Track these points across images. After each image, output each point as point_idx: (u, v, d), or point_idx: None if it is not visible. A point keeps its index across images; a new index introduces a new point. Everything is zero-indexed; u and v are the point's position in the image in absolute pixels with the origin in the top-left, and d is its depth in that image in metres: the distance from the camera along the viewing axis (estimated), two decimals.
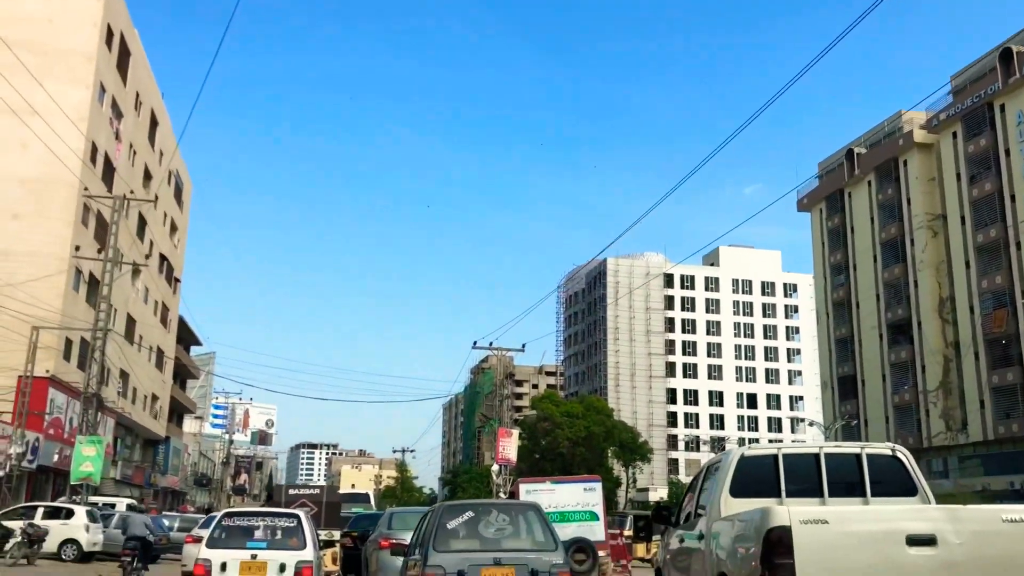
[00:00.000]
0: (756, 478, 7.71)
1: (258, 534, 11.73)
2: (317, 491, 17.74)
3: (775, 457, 7.83)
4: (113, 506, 28.44)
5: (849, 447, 8.11)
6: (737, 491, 7.64)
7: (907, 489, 7.78)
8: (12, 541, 19.53)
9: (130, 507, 28.55)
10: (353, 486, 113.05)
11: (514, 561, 8.84)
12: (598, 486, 14.74)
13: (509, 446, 33.08)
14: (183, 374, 69.14)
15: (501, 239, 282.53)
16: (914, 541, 5.93)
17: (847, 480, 7.70)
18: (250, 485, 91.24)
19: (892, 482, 7.74)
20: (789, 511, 6.14)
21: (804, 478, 7.72)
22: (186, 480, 67.85)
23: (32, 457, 32.93)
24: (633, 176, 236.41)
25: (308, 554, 11.56)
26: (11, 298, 32.78)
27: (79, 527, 22.44)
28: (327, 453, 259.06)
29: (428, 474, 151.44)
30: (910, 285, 57.70)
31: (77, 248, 27.62)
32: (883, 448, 7.99)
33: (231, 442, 76.19)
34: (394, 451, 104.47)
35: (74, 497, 26.66)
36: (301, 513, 12.59)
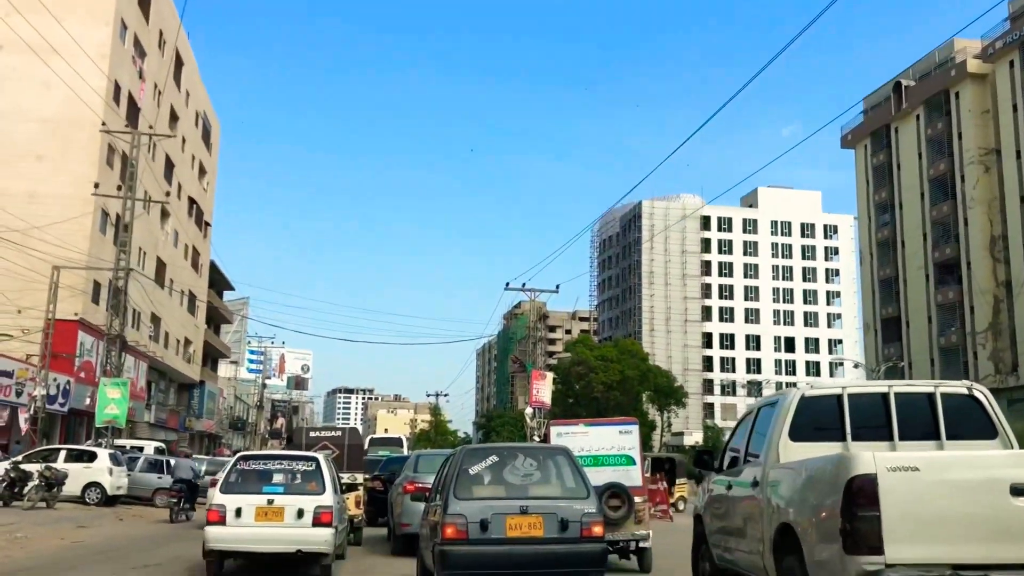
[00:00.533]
0: (818, 420, 6.94)
1: (275, 478, 11.16)
2: (339, 433, 16.74)
3: (839, 397, 6.99)
4: (141, 449, 28.23)
5: (921, 385, 7.27)
6: (797, 435, 6.85)
7: (985, 432, 6.98)
8: (30, 484, 19.18)
9: (158, 450, 28.37)
10: (386, 431, 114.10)
11: (542, 509, 7.97)
12: (635, 428, 13.70)
13: (543, 389, 32.23)
14: (216, 319, 69.26)
15: (536, 183, 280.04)
16: (1020, 491, 5.16)
17: (919, 422, 6.91)
18: (286, 429, 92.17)
19: (968, 424, 6.95)
20: (875, 457, 5.34)
21: (871, 420, 6.95)
22: (221, 424, 68.39)
23: (64, 400, 32.81)
24: (673, 119, 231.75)
25: (327, 499, 10.96)
26: (40, 240, 32.35)
27: (102, 470, 22.09)
28: (363, 398, 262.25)
29: (462, 418, 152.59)
30: (959, 223, 55.44)
31: (96, 185, 26.82)
32: (959, 387, 7.18)
33: (264, 386, 76.50)
34: (428, 395, 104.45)
35: (99, 440, 26.39)
36: (320, 456, 11.91)
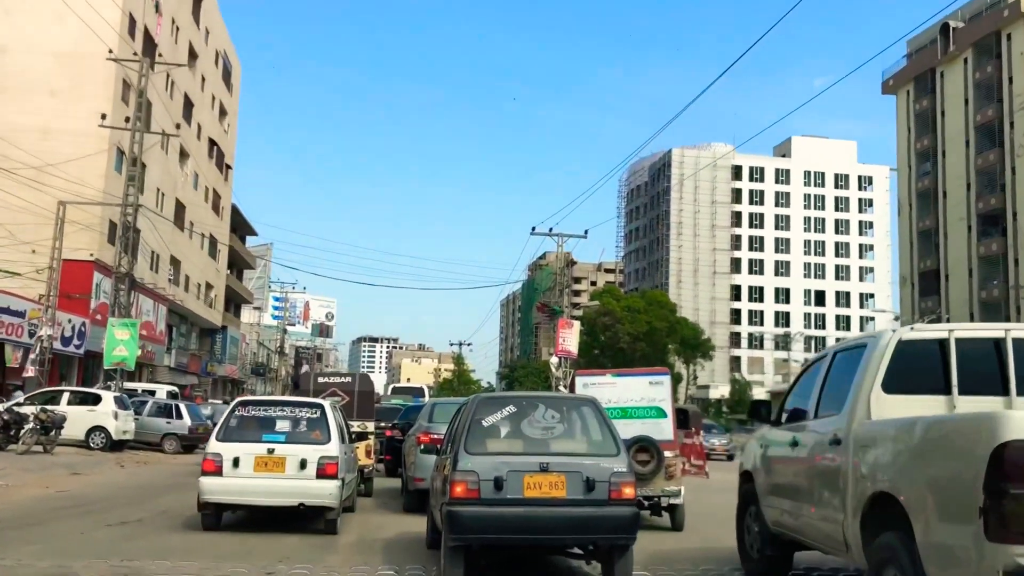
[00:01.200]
0: (916, 369, 5.85)
1: (276, 426, 10.41)
2: (349, 379, 15.81)
3: (943, 342, 5.84)
4: (152, 393, 27.52)
5: (987, 329, 6.23)
6: (891, 386, 5.75)
7: None
8: (26, 427, 18.29)
9: (170, 395, 27.64)
10: (409, 380, 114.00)
11: (565, 467, 6.84)
12: (666, 379, 12.55)
13: (569, 338, 30.94)
14: (239, 264, 68.65)
15: (564, 134, 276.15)
16: None
17: (982, 370, 5.85)
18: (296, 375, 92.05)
19: None
20: None
21: (981, 370, 5.84)
22: (244, 370, 68.17)
23: (79, 343, 32.19)
24: (706, 70, 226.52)
25: (332, 448, 10.20)
26: (54, 177, 31.44)
27: (106, 414, 21.13)
28: (388, 347, 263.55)
29: (486, 367, 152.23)
30: (1006, 172, 53.13)
31: (104, 117, 25.68)
32: None
33: (285, 332, 76.12)
34: (451, 344, 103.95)
35: (108, 383, 25.65)
36: (326, 403, 11.10)
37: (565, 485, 6.76)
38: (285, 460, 9.95)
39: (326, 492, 10.00)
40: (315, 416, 10.49)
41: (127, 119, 25.87)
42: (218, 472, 9.90)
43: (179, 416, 23.29)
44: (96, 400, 21.40)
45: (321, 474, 9.96)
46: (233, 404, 11.17)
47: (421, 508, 11.23)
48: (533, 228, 32.88)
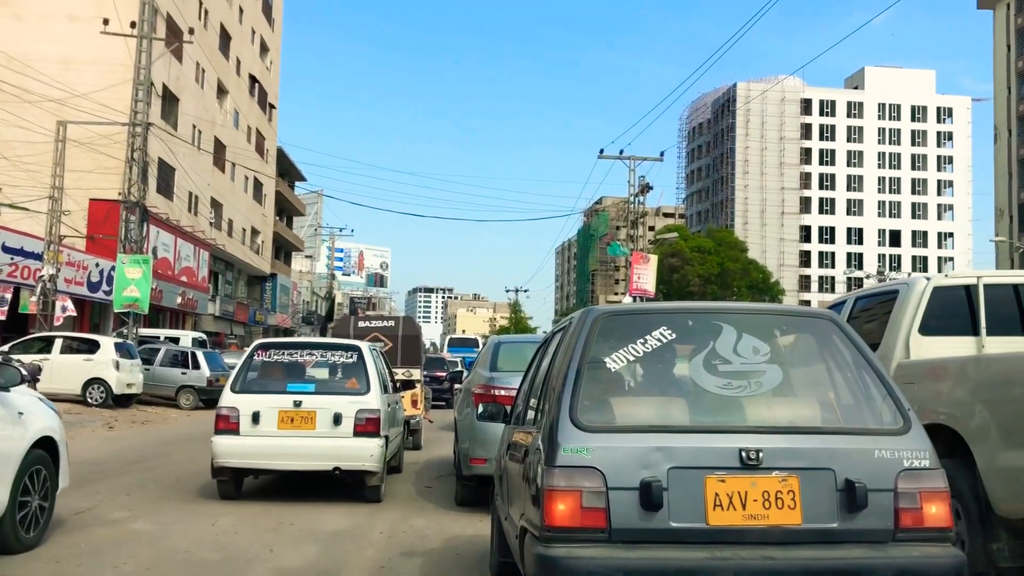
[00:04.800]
0: (949, 313, 6.22)
1: (304, 373, 8.75)
2: (391, 323, 14.01)
3: (971, 288, 6.23)
4: (177, 340, 24.74)
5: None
6: (927, 328, 6.12)
7: None
8: None
9: (197, 342, 24.87)
10: (464, 332, 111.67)
11: (797, 460, 3.40)
12: None
13: (645, 274, 26.97)
14: (288, 210, 66.20)
15: (620, 80, 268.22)
16: None
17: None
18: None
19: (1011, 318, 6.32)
20: None
21: (1007, 313, 6.23)
22: (295, 318, 66.07)
23: (108, 288, 29.69)
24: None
25: (372, 400, 8.37)
26: (77, 110, 28.73)
27: (105, 364, 17.82)
28: (443, 297, 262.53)
29: (542, 315, 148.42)
30: None
31: (106, 22, 22.63)
32: (1005, 276, 6.76)
33: (333, 277, 73.62)
34: (507, 291, 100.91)
35: (122, 329, 22.97)
36: (363, 345, 9.10)
37: (799, 499, 3.34)
38: (315, 414, 8.19)
39: (366, 453, 8.21)
40: (351, 361, 8.71)
41: (132, 23, 22.68)
42: (234, 430, 8.18)
43: (196, 366, 20.21)
44: (94, 347, 18.17)
45: (360, 431, 8.21)
46: (252, 347, 9.16)
47: (480, 501, 7.88)
48: (601, 151, 28.93)
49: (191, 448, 12.32)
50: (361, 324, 13.99)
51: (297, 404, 8.16)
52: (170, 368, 20.80)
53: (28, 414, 5.82)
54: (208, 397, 19.57)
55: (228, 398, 8.37)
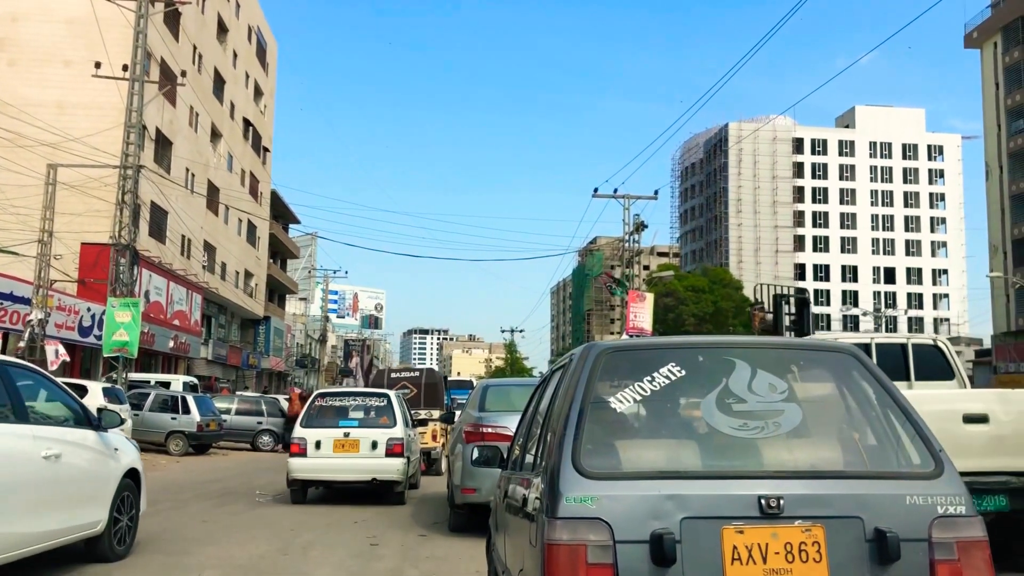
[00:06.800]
0: None
1: (350, 413, 12.12)
2: (417, 374, 18.24)
3: (866, 345, 8.78)
4: (168, 385, 24.30)
5: (896, 338, 10.18)
6: None
7: (946, 374, 10.05)
8: None
9: (188, 386, 24.44)
10: (459, 373, 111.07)
11: (828, 510, 3.10)
12: None
13: (642, 313, 26.67)
14: (282, 253, 66.01)
15: (613, 121, 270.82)
16: (969, 419, 6.79)
17: (893, 367, 8.83)
18: (361, 367, 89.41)
19: (933, 368, 9.84)
20: None
21: (892, 365, 9.01)
22: (289, 362, 65.47)
23: (100, 333, 29.34)
24: (743, 49, 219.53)
25: (398, 432, 11.85)
26: (70, 153, 28.66)
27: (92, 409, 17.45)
28: (438, 338, 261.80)
29: (538, 355, 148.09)
30: None
31: (98, 65, 22.60)
32: (926, 339, 10.12)
33: (327, 319, 73.24)
34: (502, 331, 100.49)
35: (111, 374, 22.57)
36: (391, 393, 12.61)
37: (825, 551, 3.05)
38: (359, 442, 11.67)
39: (394, 468, 11.64)
40: (383, 404, 12.16)
41: (124, 67, 22.66)
42: (303, 453, 11.64)
43: (186, 411, 19.82)
44: (82, 393, 17.76)
45: (390, 453, 11.64)
46: (313, 396, 12.89)
47: (473, 527, 7.86)
48: (595, 190, 28.85)
49: (175, 499, 11.93)
50: (393, 375, 17.99)
51: (346, 435, 11.71)
52: (159, 413, 20.36)
53: (121, 450, 7.34)
54: (198, 443, 19.06)
55: (299, 431, 11.84)
